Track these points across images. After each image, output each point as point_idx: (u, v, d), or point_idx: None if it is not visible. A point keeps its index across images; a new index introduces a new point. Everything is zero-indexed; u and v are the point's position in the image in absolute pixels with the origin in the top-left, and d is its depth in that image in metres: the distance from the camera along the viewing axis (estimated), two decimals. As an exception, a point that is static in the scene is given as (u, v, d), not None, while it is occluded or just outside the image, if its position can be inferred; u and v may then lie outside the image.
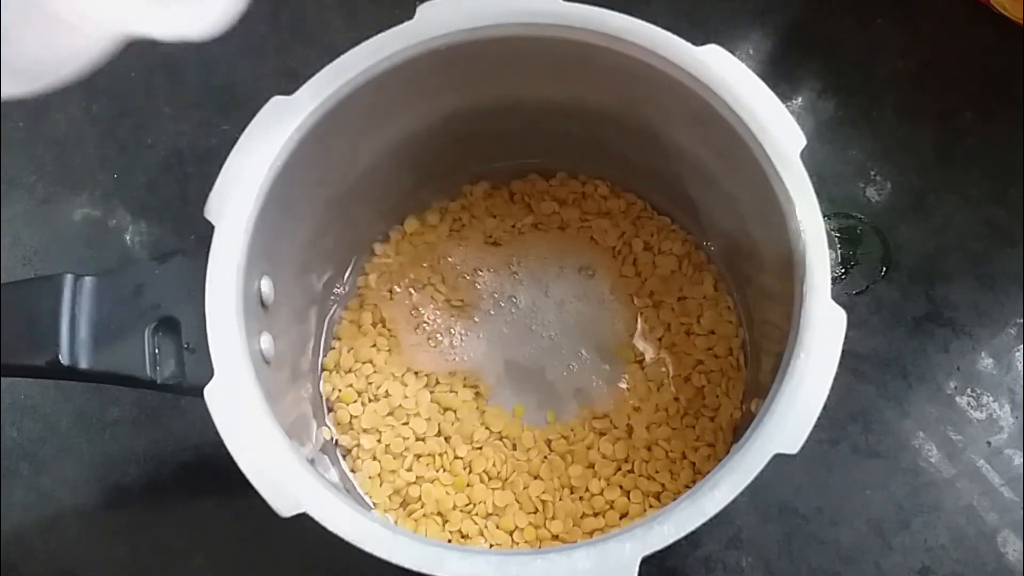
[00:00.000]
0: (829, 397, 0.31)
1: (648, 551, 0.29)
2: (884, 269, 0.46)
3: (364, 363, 0.43)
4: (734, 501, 0.42)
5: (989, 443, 0.43)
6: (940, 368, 0.44)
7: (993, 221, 0.47)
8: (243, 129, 0.35)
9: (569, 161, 0.46)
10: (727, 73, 0.35)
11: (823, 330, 0.32)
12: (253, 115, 0.35)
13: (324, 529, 0.30)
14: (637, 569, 0.28)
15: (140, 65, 0.52)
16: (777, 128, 0.34)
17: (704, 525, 0.42)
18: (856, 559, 0.41)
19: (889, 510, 0.42)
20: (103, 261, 0.48)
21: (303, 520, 0.30)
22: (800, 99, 0.50)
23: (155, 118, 0.51)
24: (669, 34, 0.36)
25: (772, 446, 0.30)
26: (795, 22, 0.52)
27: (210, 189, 0.34)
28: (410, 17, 0.36)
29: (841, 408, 0.44)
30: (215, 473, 0.44)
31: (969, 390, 0.44)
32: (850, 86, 0.50)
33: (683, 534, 0.29)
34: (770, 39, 0.51)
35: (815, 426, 0.43)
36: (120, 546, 0.43)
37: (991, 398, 0.44)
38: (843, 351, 0.31)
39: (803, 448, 0.43)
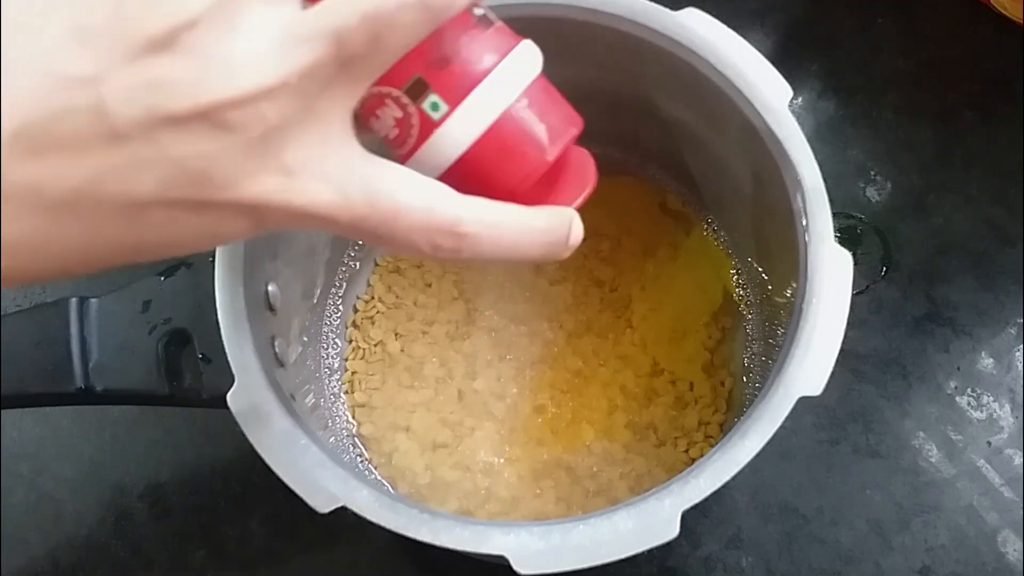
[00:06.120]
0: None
1: (687, 505, 0.29)
2: (884, 269, 0.46)
3: (376, 348, 0.44)
4: (734, 501, 0.43)
5: (989, 443, 0.43)
6: (940, 368, 0.44)
7: (993, 221, 0.47)
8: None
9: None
10: (708, 34, 0.35)
11: (831, 272, 0.32)
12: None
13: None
14: (679, 524, 0.29)
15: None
16: (763, 82, 0.34)
17: (704, 525, 0.42)
18: (856, 559, 0.41)
19: (889, 510, 0.42)
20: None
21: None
22: (800, 99, 0.50)
23: (155, 118, 0.51)
24: (646, 1, 0.35)
25: (795, 390, 0.30)
26: (795, 22, 0.52)
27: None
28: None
29: (841, 408, 0.44)
30: (215, 471, 0.44)
31: (969, 390, 0.44)
32: (850, 86, 0.50)
33: (718, 485, 0.29)
34: (770, 39, 0.51)
35: (815, 426, 0.43)
36: (121, 545, 0.43)
37: (991, 398, 0.44)
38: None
39: (803, 448, 0.43)
